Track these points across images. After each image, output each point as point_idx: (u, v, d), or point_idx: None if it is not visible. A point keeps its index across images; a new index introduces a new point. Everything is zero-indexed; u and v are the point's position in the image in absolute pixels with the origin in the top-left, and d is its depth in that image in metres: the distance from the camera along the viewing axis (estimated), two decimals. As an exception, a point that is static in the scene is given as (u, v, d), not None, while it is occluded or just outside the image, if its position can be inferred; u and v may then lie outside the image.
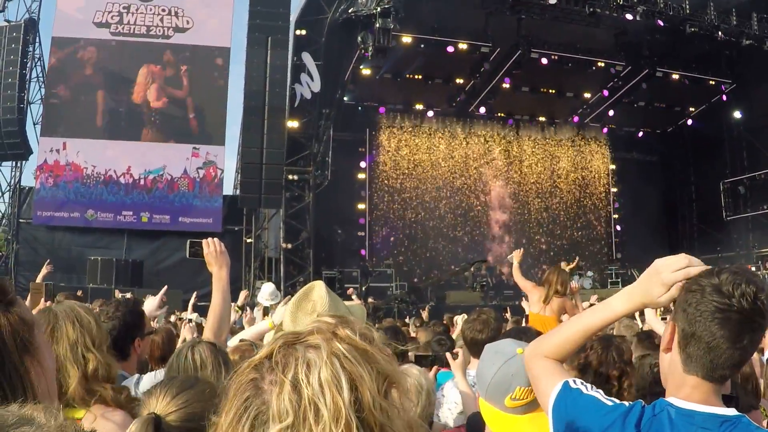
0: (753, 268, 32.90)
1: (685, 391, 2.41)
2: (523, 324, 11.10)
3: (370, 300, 24.90)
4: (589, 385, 2.69)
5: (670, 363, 2.50)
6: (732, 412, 2.38)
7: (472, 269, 26.31)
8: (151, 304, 6.39)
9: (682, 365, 2.43)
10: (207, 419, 2.80)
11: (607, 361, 4.09)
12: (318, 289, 3.32)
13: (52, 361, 2.13)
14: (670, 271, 2.51)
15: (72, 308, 3.35)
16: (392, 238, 36.97)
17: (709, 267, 2.46)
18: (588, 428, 2.54)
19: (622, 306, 2.71)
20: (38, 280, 11.11)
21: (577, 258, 25.98)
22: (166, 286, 7.55)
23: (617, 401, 2.57)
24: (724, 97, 37.05)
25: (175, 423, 2.85)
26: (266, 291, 11.72)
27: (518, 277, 11.07)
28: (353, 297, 14.76)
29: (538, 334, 5.32)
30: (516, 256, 11.63)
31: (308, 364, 1.48)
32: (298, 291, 3.48)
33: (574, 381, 2.69)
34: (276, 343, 1.56)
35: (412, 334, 11.29)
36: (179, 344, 4.88)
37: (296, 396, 1.45)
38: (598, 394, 2.63)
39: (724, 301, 2.30)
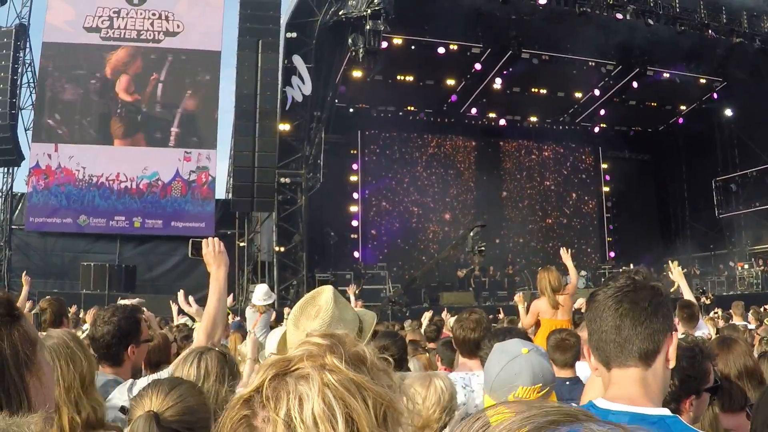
0: (746, 266, 33.06)
1: (611, 390, 2.49)
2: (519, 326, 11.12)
3: (359, 303, 24.85)
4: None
5: (596, 369, 2.61)
6: (656, 411, 2.42)
7: (471, 234, 26.24)
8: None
9: (601, 368, 2.56)
10: (200, 414, 2.78)
11: None
12: (326, 293, 3.26)
13: (52, 381, 2.12)
14: None
15: (65, 344, 3.29)
16: (385, 239, 36.99)
17: None
18: None
19: None
20: (21, 298, 10.64)
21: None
22: (181, 291, 7.48)
23: None
24: (715, 95, 37.19)
25: (174, 417, 2.86)
26: (260, 291, 11.72)
27: (524, 317, 11.07)
28: (352, 296, 14.70)
29: (523, 333, 5.32)
30: (519, 299, 11.78)
31: (300, 398, 1.43)
32: (302, 294, 3.43)
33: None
34: (266, 374, 1.50)
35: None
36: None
37: None
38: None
39: (609, 300, 2.51)
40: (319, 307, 3.14)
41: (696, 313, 8.75)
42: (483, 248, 26.28)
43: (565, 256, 10.70)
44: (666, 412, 2.42)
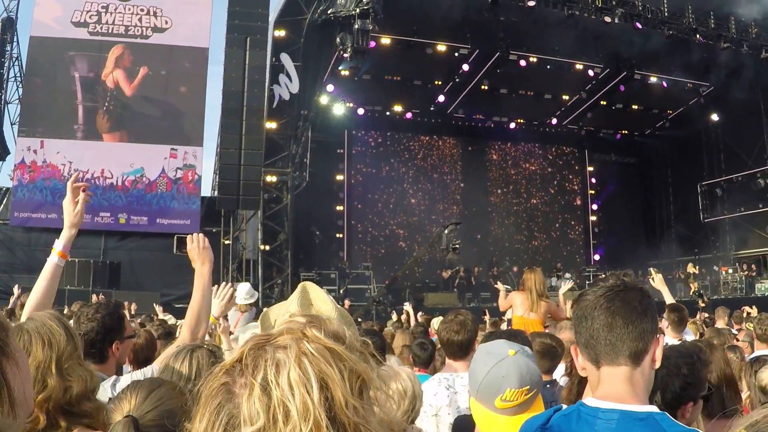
0: (730, 270, 33.18)
1: (600, 389, 2.52)
2: (503, 327, 11.16)
3: (347, 302, 24.84)
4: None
5: (586, 368, 2.63)
6: (644, 408, 2.44)
7: (446, 231, 26.32)
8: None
9: (591, 366, 2.59)
10: (180, 416, 2.76)
11: None
12: (312, 290, 3.24)
13: (27, 366, 2.10)
14: None
15: (44, 324, 3.24)
16: (370, 239, 37.03)
17: None
18: None
19: None
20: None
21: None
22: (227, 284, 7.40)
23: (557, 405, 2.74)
24: (702, 100, 37.29)
25: (153, 422, 2.82)
26: (242, 290, 11.67)
27: (502, 301, 11.20)
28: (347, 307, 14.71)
29: (527, 337, 5.33)
30: (501, 287, 12.14)
31: (277, 364, 1.47)
32: (287, 293, 3.38)
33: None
34: (246, 345, 1.54)
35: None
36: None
37: (266, 398, 1.44)
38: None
39: (596, 301, 2.56)
40: (318, 308, 3.12)
41: (685, 318, 8.83)
42: (457, 246, 26.37)
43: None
44: (654, 408, 2.45)
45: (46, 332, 3.15)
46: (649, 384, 2.54)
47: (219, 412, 1.47)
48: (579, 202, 42.82)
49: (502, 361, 3.27)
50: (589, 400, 2.50)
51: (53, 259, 4.51)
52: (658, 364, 2.53)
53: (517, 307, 10.18)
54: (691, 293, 31.00)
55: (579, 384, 4.23)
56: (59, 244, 4.53)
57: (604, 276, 2.65)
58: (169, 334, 8.69)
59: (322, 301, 3.22)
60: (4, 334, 1.92)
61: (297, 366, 1.46)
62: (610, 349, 2.47)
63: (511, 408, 3.23)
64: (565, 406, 2.64)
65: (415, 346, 7.58)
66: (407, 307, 16.60)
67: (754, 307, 16.49)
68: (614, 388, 2.46)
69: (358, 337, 1.64)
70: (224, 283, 5.55)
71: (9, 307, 11.52)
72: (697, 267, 34.49)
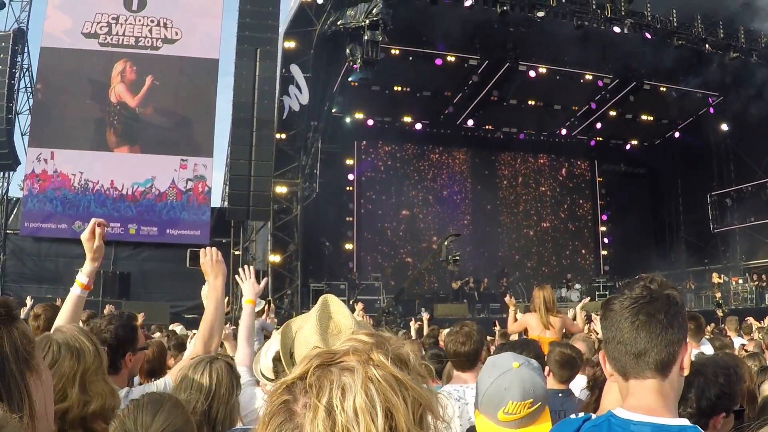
0: (740, 281, 33.07)
1: (629, 400, 2.48)
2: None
3: (360, 305, 24.78)
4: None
5: (614, 379, 2.61)
6: (677, 422, 2.41)
7: (446, 243, 26.28)
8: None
9: (619, 378, 2.55)
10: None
11: None
12: (333, 304, 3.24)
13: (50, 381, 2.12)
14: None
15: (74, 337, 3.23)
16: (380, 249, 36.99)
17: None
18: None
19: None
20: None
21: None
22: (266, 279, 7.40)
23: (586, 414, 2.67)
24: (712, 110, 37.23)
25: None
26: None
27: (511, 323, 11.20)
28: (360, 312, 14.66)
29: (539, 348, 5.32)
30: (510, 301, 12.19)
31: (343, 388, 1.45)
32: (296, 304, 3.36)
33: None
34: (311, 363, 1.52)
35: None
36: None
37: (330, 422, 1.42)
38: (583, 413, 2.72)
39: (625, 311, 2.50)
40: (337, 322, 3.11)
41: (702, 326, 8.83)
42: (458, 257, 26.30)
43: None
44: (685, 422, 2.42)
45: (74, 345, 3.17)
46: (678, 393, 2.52)
47: (281, 430, 1.46)
48: (588, 213, 42.73)
49: (505, 374, 3.28)
50: (619, 411, 2.47)
51: (76, 291, 4.53)
52: (686, 372, 2.51)
53: (533, 328, 10.14)
54: (712, 302, 31.05)
55: (596, 401, 4.24)
56: (83, 277, 4.56)
57: (631, 281, 2.60)
58: (181, 345, 8.71)
59: (342, 315, 3.21)
60: (30, 346, 1.95)
61: (363, 392, 1.44)
62: (635, 363, 2.45)
63: (515, 421, 3.24)
64: (594, 416, 2.63)
65: (429, 358, 7.57)
66: (425, 315, 16.60)
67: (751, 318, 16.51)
68: (644, 400, 2.44)
69: (418, 357, 1.62)
70: (241, 268, 5.56)
71: (22, 318, 11.44)
72: (722, 276, 34.37)
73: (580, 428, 2.54)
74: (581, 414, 2.65)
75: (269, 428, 1.48)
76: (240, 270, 5.68)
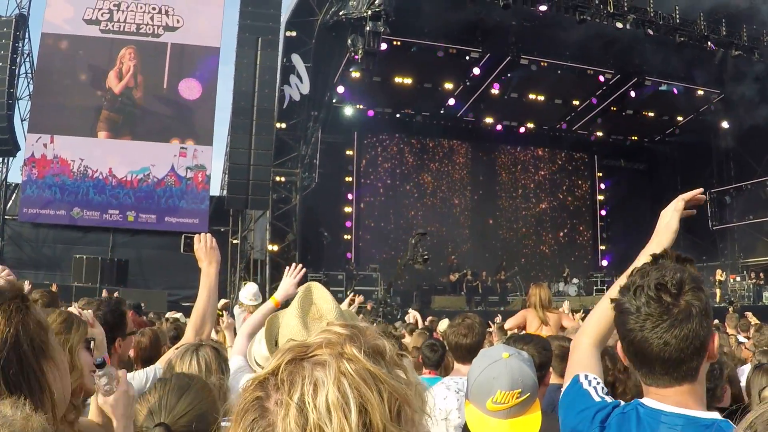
0: (738, 278, 33.09)
1: (656, 390, 2.43)
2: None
3: (360, 297, 24.79)
4: (594, 380, 2.73)
5: (636, 375, 2.56)
6: (708, 415, 2.36)
7: (412, 241, 26.20)
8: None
9: (642, 378, 2.47)
10: (211, 418, 2.76)
11: (614, 367, 4.12)
12: (316, 290, 3.21)
13: (65, 365, 2.13)
14: (673, 209, 3.20)
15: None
16: (379, 241, 36.98)
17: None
18: (569, 417, 2.66)
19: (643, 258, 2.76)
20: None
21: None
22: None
23: (607, 399, 2.62)
24: (712, 107, 37.18)
25: (185, 427, 2.83)
26: (249, 291, 11.59)
27: (510, 324, 11.17)
28: (357, 305, 14.57)
29: (543, 341, 5.32)
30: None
31: (315, 384, 1.42)
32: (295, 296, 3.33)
33: (585, 375, 2.75)
34: (283, 357, 1.49)
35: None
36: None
37: (302, 419, 1.39)
38: (596, 389, 2.67)
39: (642, 309, 2.36)
40: (319, 307, 3.08)
41: None
42: (427, 256, 26.14)
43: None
44: (717, 415, 2.37)
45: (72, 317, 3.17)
46: (704, 382, 2.45)
47: (253, 428, 1.44)
48: (587, 208, 42.73)
49: (494, 363, 3.28)
50: (648, 400, 2.42)
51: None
52: (714, 359, 2.45)
53: (531, 323, 10.18)
54: (718, 299, 31.05)
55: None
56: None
57: (646, 275, 2.43)
58: (176, 337, 8.70)
59: (324, 300, 3.19)
60: (44, 335, 1.95)
61: (336, 388, 1.41)
62: (663, 373, 2.37)
63: (503, 411, 3.23)
64: (623, 403, 2.58)
65: (425, 348, 7.56)
66: (414, 313, 16.51)
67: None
68: (675, 394, 2.38)
69: (396, 349, 1.59)
70: (295, 264, 5.45)
71: None
72: (724, 273, 34.35)
73: (609, 415, 2.50)
74: (608, 398, 2.62)
75: (242, 425, 1.46)
76: (290, 266, 5.52)
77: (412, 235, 27.33)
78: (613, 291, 2.77)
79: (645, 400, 2.44)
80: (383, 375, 1.48)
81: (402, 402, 1.48)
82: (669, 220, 3.19)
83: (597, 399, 2.60)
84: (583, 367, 2.81)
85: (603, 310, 2.90)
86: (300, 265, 5.48)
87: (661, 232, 3.18)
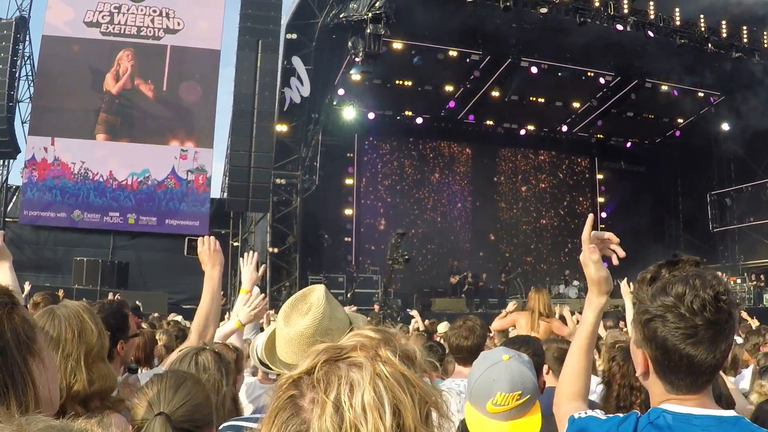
0: (738, 280, 33.07)
1: (674, 394, 2.41)
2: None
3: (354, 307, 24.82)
4: (587, 411, 2.71)
5: (654, 384, 2.49)
6: (730, 413, 2.38)
7: (393, 241, 26.16)
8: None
9: (665, 387, 2.43)
10: (206, 409, 2.80)
11: (629, 372, 4.13)
12: (317, 292, 3.21)
13: (54, 365, 2.13)
14: (590, 261, 3.21)
15: (77, 315, 3.22)
16: (379, 243, 36.97)
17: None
18: None
19: (590, 313, 3.05)
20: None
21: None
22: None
23: (612, 415, 2.62)
24: (713, 109, 37.16)
25: (184, 417, 2.88)
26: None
27: (499, 319, 11.10)
28: (375, 309, 14.57)
29: (540, 344, 5.33)
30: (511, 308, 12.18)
31: (351, 384, 1.45)
32: (293, 293, 3.34)
33: (578, 412, 2.72)
34: (318, 358, 1.52)
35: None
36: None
37: (338, 418, 1.42)
38: (595, 413, 2.67)
39: (690, 322, 2.30)
40: (310, 304, 3.07)
41: None
42: (407, 257, 26.06)
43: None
44: (733, 412, 2.40)
45: (77, 324, 3.18)
46: None
47: (288, 425, 1.47)
48: (587, 210, 42.66)
49: (494, 365, 3.28)
50: (671, 406, 2.39)
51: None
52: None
53: (522, 327, 10.18)
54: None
55: (617, 398, 4.25)
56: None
57: (671, 281, 2.40)
58: (184, 337, 8.73)
59: (317, 298, 3.20)
60: (31, 331, 1.96)
61: (372, 389, 1.45)
62: (692, 382, 2.36)
63: (503, 413, 3.24)
64: (638, 413, 2.54)
65: (424, 350, 7.55)
66: (416, 316, 16.49)
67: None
68: (695, 397, 2.40)
69: (424, 354, 1.64)
70: (246, 252, 5.53)
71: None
72: (725, 275, 34.28)
73: (636, 428, 2.46)
74: (618, 413, 2.62)
75: (276, 423, 1.49)
76: (242, 255, 5.62)
77: (392, 235, 27.28)
78: (578, 342, 2.94)
79: (668, 406, 2.42)
80: (415, 379, 1.52)
81: (432, 405, 1.53)
82: (592, 274, 3.25)
83: (604, 417, 2.60)
84: (573, 412, 2.77)
85: (574, 366, 2.95)
86: (252, 251, 5.57)
87: (593, 284, 3.25)
